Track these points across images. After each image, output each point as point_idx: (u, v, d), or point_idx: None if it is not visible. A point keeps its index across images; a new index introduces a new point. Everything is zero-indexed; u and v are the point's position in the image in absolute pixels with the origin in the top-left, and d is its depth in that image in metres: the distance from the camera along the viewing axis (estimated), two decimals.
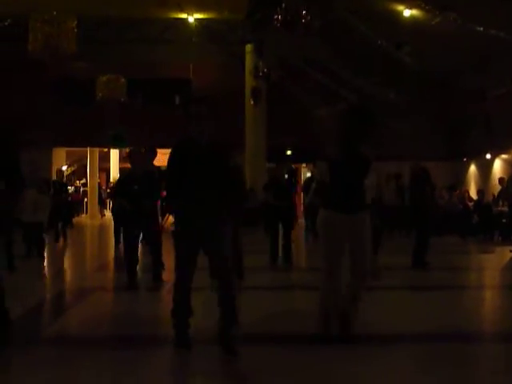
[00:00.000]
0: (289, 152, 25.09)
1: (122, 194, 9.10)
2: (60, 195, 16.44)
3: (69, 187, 23.15)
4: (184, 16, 20.62)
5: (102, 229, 23.31)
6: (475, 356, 5.54)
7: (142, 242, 9.83)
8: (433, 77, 22.00)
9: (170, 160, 5.44)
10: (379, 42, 17.24)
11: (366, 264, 5.72)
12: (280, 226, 11.35)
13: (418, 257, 10.79)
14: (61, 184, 17.34)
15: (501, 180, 18.59)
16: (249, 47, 22.13)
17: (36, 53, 15.51)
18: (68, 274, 11.38)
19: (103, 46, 22.48)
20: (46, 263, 12.00)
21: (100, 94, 21.49)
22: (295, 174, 18.24)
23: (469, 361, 5.34)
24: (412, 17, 17.25)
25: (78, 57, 17.68)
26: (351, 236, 5.68)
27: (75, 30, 15.32)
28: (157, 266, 9.07)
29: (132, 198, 8.77)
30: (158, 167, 10.10)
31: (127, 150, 14.13)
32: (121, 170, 28.20)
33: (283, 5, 12.84)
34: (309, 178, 18.25)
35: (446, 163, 23.80)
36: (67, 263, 13.27)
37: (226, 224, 5.40)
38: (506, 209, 16.92)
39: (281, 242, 11.40)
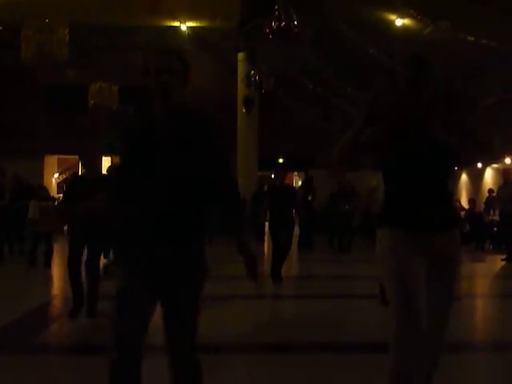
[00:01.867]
0: (280, 160, 25.11)
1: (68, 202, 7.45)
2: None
3: (60, 195, 23.10)
4: (177, 24, 20.63)
5: None
6: (465, 365, 5.54)
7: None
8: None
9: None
10: (371, 51, 17.27)
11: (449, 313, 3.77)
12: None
13: None
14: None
15: (490, 191, 18.76)
16: (241, 55, 22.15)
17: (28, 60, 15.50)
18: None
19: (95, 54, 22.46)
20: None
21: (92, 102, 21.48)
22: (311, 182, 17.53)
23: (459, 370, 5.34)
24: (404, 26, 17.30)
25: (69, 64, 17.68)
26: (435, 267, 3.65)
27: (67, 38, 15.32)
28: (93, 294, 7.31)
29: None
30: None
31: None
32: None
33: (275, 14, 12.87)
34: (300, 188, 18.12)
35: None
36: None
37: (202, 261, 3.34)
38: (497, 218, 17.00)
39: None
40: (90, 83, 21.60)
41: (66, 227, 11.51)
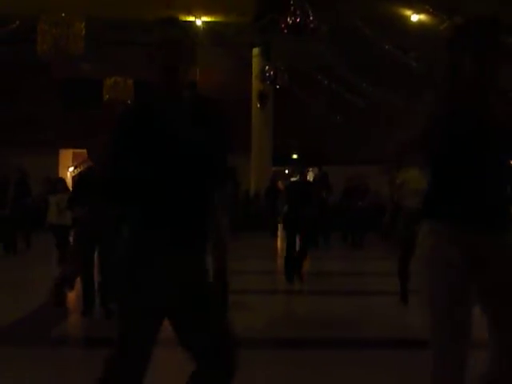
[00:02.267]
0: (295, 156, 25.10)
1: (77, 203, 7.20)
2: None
3: None
4: (192, 19, 20.65)
5: None
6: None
7: None
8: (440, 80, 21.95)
9: (112, 141, 3.10)
10: (386, 47, 17.24)
11: None
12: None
13: None
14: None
15: None
16: (256, 51, 22.15)
17: (44, 54, 15.57)
18: None
19: (110, 48, 22.52)
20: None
21: (107, 96, 21.53)
22: (327, 178, 16.99)
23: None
24: (420, 22, 17.26)
25: (85, 58, 17.74)
26: (492, 273, 2.94)
27: (83, 32, 15.38)
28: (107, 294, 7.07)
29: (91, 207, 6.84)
30: None
31: None
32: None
33: (291, 9, 12.86)
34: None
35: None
36: None
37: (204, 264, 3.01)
38: None
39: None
40: (105, 77, 21.66)
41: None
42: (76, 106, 24.26)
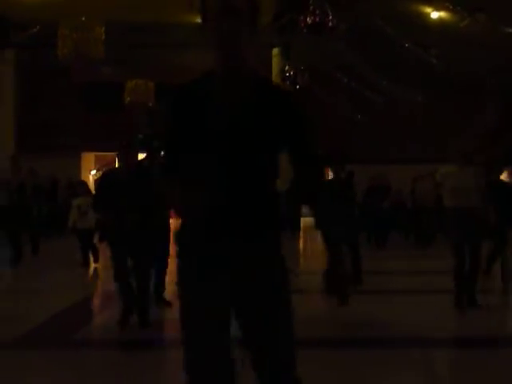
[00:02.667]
0: None
1: (102, 205, 6.99)
2: None
3: None
4: None
5: None
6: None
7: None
8: (462, 79, 21.85)
9: (164, 124, 2.78)
10: (406, 44, 17.16)
11: None
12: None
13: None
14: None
15: None
16: (275, 51, 22.13)
17: (65, 59, 15.68)
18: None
19: (131, 51, 22.63)
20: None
21: (128, 99, 21.63)
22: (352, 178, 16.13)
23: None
24: (440, 19, 17.15)
25: (106, 62, 17.84)
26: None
27: (103, 36, 15.46)
28: (144, 302, 6.78)
29: (116, 210, 6.61)
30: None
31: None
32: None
33: (310, 8, 12.85)
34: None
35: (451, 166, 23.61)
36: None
37: (280, 259, 2.68)
38: None
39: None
40: (126, 80, 21.77)
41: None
42: (97, 109, 24.41)
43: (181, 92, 2.74)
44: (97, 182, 7.65)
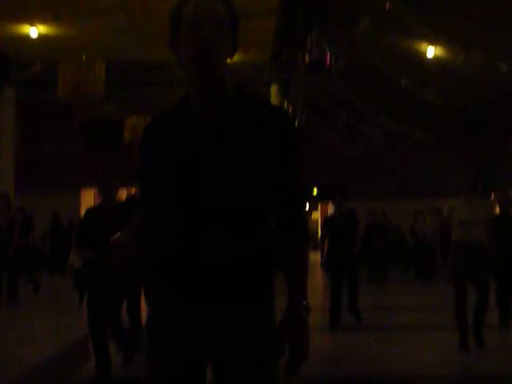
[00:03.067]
0: (315, 190, 25.13)
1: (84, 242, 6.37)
2: None
3: None
4: None
5: None
6: None
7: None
8: (458, 114, 22.02)
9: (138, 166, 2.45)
10: (403, 81, 17.33)
11: None
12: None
13: None
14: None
15: None
16: (274, 88, 22.32)
17: (65, 97, 15.82)
18: None
19: (130, 89, 22.82)
20: None
21: (128, 135, 21.76)
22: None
23: None
24: (436, 56, 17.33)
25: (105, 99, 17.97)
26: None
27: (104, 75, 15.61)
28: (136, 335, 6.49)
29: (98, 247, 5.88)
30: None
31: None
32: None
33: (308, 46, 13.02)
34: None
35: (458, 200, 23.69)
36: None
37: (270, 318, 2.25)
38: None
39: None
40: (126, 117, 21.91)
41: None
42: (97, 145, 24.53)
43: (151, 123, 2.38)
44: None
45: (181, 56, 2.24)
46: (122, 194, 7.08)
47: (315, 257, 17.72)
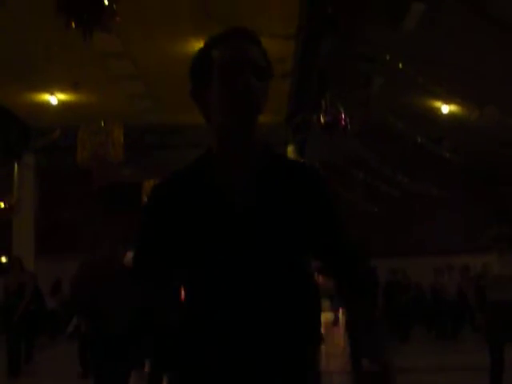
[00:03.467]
0: None
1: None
2: None
3: None
4: None
5: None
6: None
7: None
8: (475, 170, 22.02)
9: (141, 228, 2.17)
10: (419, 139, 17.40)
11: None
12: None
13: None
14: None
15: None
16: (290, 148, 22.48)
17: (84, 163, 15.99)
18: None
19: (148, 152, 23.06)
20: None
21: (146, 198, 21.86)
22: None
23: None
24: (451, 113, 17.43)
25: (123, 163, 18.15)
26: None
27: (122, 140, 15.81)
28: None
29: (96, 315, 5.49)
30: None
31: None
32: None
33: (323, 108, 13.15)
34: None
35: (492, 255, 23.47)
36: None
37: None
38: None
39: None
40: (144, 180, 22.08)
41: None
42: (115, 209, 24.66)
43: (161, 183, 2.18)
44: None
45: (206, 106, 2.01)
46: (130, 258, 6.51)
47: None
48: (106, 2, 7.12)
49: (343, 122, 13.00)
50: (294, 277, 1.94)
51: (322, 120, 13.10)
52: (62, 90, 16.24)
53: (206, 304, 1.92)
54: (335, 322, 20.34)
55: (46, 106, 16.80)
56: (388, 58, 13.14)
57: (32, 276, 13.28)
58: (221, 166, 1.98)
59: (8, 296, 12.26)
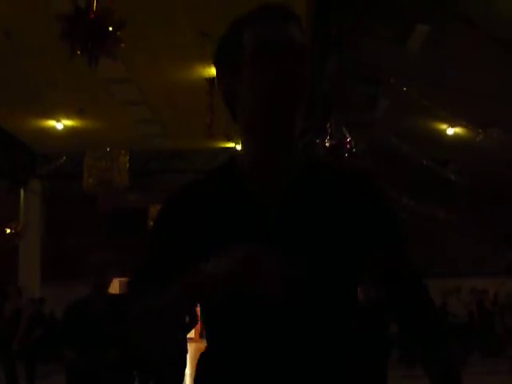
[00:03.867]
0: None
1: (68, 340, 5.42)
2: None
3: None
4: (232, 145, 21.16)
5: None
6: None
7: None
8: (480, 191, 21.97)
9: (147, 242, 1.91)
10: (424, 161, 17.39)
11: None
12: None
13: None
14: None
15: None
16: None
17: (90, 188, 16.03)
18: None
19: (153, 177, 23.11)
20: None
21: (152, 224, 21.84)
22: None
23: None
24: (455, 135, 17.44)
25: (129, 189, 18.19)
26: None
27: (127, 165, 15.84)
28: None
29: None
30: None
31: None
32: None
33: (328, 131, 13.17)
34: None
35: (500, 277, 23.36)
36: None
37: None
38: None
39: None
40: (149, 205, 22.09)
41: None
42: (120, 235, 24.65)
43: (175, 194, 1.86)
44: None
45: (234, 98, 1.64)
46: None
47: None
48: (111, 29, 7.17)
49: (348, 145, 13.02)
50: (349, 314, 1.61)
51: (326, 143, 13.12)
52: (68, 117, 16.31)
53: (235, 350, 1.61)
54: None
55: (52, 132, 16.87)
56: (392, 80, 13.17)
57: (29, 301, 13.28)
58: (252, 171, 1.63)
59: (3, 323, 12.19)
